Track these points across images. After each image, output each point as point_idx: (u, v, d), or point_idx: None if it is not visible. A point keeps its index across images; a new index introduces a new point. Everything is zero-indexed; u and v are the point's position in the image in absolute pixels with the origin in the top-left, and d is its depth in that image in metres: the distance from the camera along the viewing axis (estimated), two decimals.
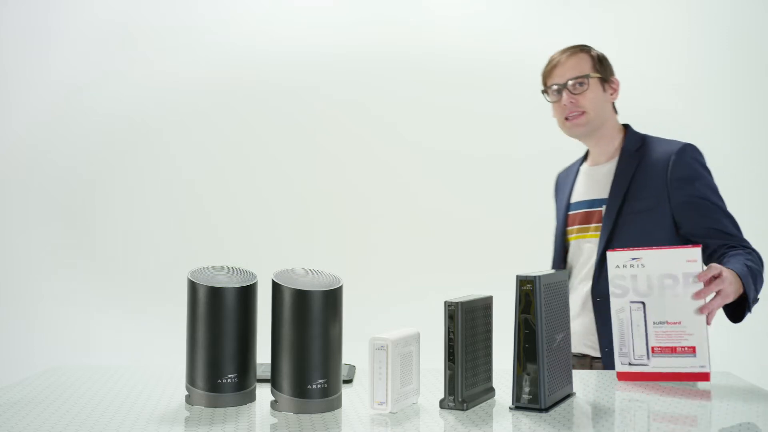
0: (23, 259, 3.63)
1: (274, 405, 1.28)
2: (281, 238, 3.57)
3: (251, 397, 1.35)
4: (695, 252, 1.48)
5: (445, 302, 1.28)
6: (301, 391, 1.25)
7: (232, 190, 3.66)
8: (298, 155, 3.63)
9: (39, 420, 1.21)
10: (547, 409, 1.26)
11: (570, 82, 1.91)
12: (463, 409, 1.26)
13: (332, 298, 1.27)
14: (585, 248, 1.94)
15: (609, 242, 1.85)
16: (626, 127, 2.02)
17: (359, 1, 3.68)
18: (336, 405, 1.28)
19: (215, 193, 3.66)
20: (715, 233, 1.80)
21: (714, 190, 1.86)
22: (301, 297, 1.25)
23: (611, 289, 1.55)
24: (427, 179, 3.60)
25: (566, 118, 1.94)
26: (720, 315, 1.71)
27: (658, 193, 1.85)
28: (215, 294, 1.31)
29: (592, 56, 1.96)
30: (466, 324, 1.27)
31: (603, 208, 1.90)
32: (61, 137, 3.66)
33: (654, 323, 1.50)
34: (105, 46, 3.68)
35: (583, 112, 1.91)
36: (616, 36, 3.59)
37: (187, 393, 1.34)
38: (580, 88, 1.91)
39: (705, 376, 1.46)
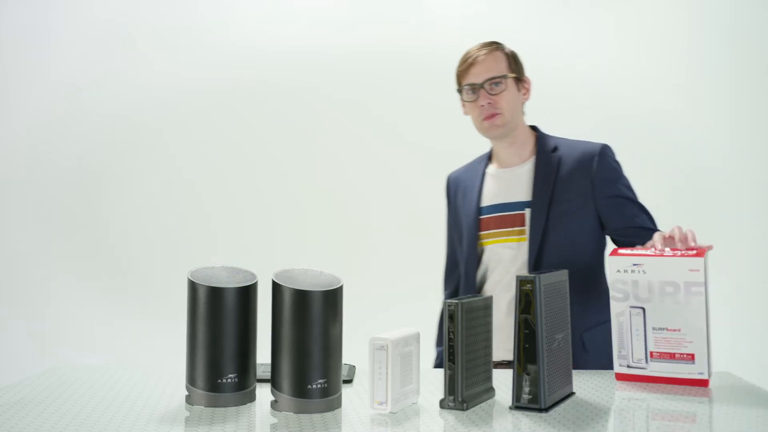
0: (23, 259, 3.63)
1: (274, 405, 1.28)
2: (281, 238, 3.57)
3: (251, 397, 1.35)
4: (698, 261, 1.47)
5: (445, 302, 1.28)
6: (301, 391, 1.25)
7: (232, 190, 3.65)
8: (298, 155, 3.62)
9: (39, 420, 1.21)
10: (547, 409, 1.26)
11: (487, 83, 1.87)
12: (463, 409, 1.26)
13: (332, 298, 1.27)
14: (505, 253, 1.88)
15: (541, 245, 1.83)
16: (534, 128, 2.00)
17: (359, 1, 3.68)
18: (336, 405, 1.29)
19: (215, 193, 3.65)
20: (639, 231, 1.85)
21: (631, 188, 1.92)
22: (301, 297, 1.25)
23: (612, 293, 1.54)
24: (427, 179, 3.59)
25: (484, 119, 1.89)
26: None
27: (584, 194, 1.86)
28: (215, 294, 1.31)
29: (507, 54, 1.92)
30: (466, 324, 1.27)
31: (527, 211, 1.86)
32: (61, 137, 3.65)
33: (654, 329, 1.50)
34: (105, 46, 3.67)
35: (500, 113, 1.88)
36: (616, 36, 3.59)
37: (187, 393, 1.34)
38: (497, 89, 1.87)
39: (703, 383, 1.46)
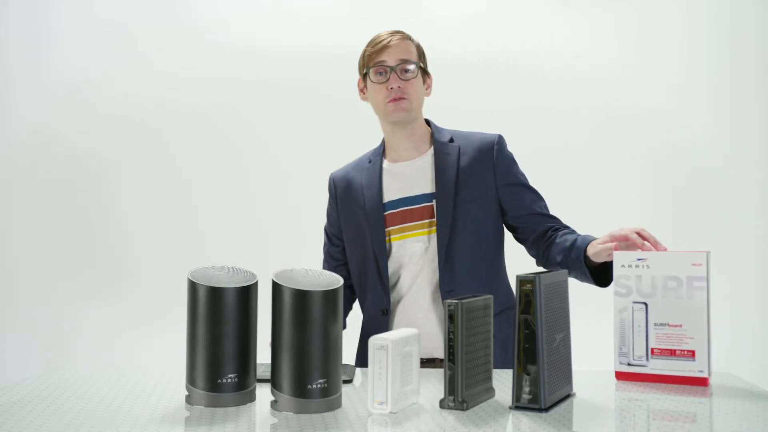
0: (23, 259, 3.63)
1: (274, 405, 1.28)
2: (281, 238, 3.57)
3: (251, 397, 1.35)
4: (701, 256, 1.47)
5: (445, 302, 1.28)
6: (301, 391, 1.25)
7: (232, 190, 3.66)
8: (298, 155, 3.62)
9: (39, 420, 1.21)
10: (547, 409, 1.26)
11: (399, 66, 1.85)
12: (463, 409, 1.26)
13: (332, 298, 1.27)
14: (415, 248, 1.86)
15: (452, 235, 1.82)
16: (427, 121, 1.99)
17: (359, 1, 3.68)
18: (336, 405, 1.29)
19: (215, 193, 3.66)
20: (539, 218, 1.89)
21: (525, 176, 1.95)
22: (301, 297, 1.25)
23: (615, 288, 1.55)
24: None
25: (390, 101, 1.86)
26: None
27: (486, 182, 1.88)
28: (215, 294, 1.31)
29: (416, 46, 1.92)
30: (466, 324, 1.27)
31: (434, 203, 1.86)
32: (61, 137, 3.66)
33: (655, 325, 1.50)
34: (105, 46, 3.68)
35: (407, 99, 1.86)
36: (616, 36, 3.59)
37: (187, 393, 1.34)
38: (408, 75, 1.86)
39: (703, 381, 1.46)
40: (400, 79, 1.85)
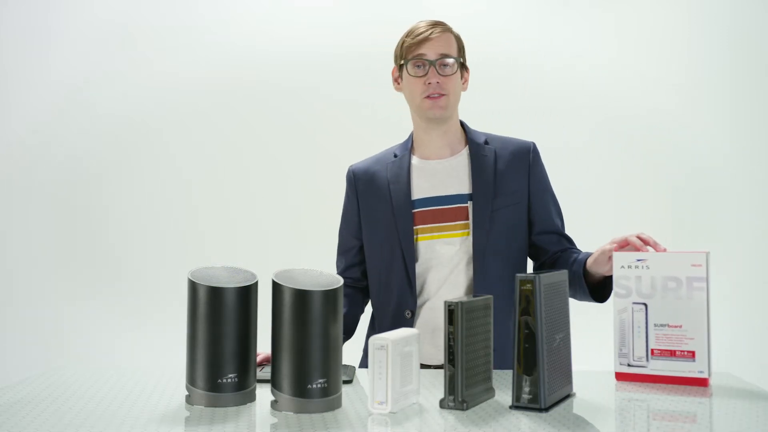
0: (23, 259, 3.63)
1: (274, 405, 1.28)
2: (281, 238, 3.57)
3: (251, 397, 1.35)
4: (701, 256, 1.48)
5: (445, 302, 1.28)
6: (301, 390, 1.25)
7: (232, 190, 3.65)
8: (298, 155, 3.62)
9: (39, 420, 1.21)
10: (547, 409, 1.26)
11: (439, 61, 1.79)
12: (463, 409, 1.26)
13: (332, 298, 1.27)
14: (444, 250, 1.79)
15: (487, 239, 1.77)
16: (461, 122, 1.94)
17: (359, 1, 3.68)
18: (336, 405, 1.29)
19: (215, 193, 3.65)
20: (557, 238, 1.87)
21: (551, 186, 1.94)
22: (301, 297, 1.25)
23: (615, 289, 1.55)
24: None
25: (427, 97, 1.80)
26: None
27: (521, 187, 1.84)
28: (215, 294, 1.31)
29: (456, 39, 1.87)
30: (466, 324, 1.27)
31: (469, 204, 1.80)
32: (61, 137, 3.65)
33: (655, 325, 1.50)
34: (105, 46, 3.67)
35: (446, 95, 1.80)
36: (616, 36, 3.59)
37: (187, 393, 1.34)
38: (448, 70, 1.81)
39: (703, 382, 1.46)
40: (439, 74, 1.79)
